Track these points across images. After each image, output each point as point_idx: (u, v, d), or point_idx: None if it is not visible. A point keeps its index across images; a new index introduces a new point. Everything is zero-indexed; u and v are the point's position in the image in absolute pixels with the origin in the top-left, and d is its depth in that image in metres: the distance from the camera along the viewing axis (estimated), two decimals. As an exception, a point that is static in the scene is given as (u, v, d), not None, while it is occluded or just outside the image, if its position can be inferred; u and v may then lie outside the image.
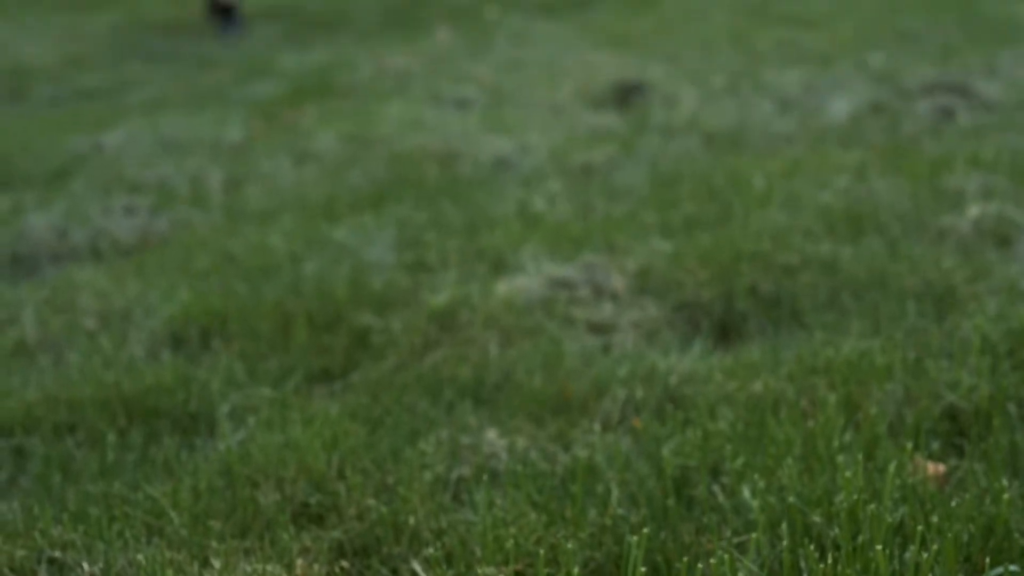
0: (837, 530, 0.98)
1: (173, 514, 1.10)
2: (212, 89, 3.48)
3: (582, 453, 1.18)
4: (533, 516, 1.04)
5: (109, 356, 1.58)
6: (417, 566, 1.03)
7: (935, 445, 1.16)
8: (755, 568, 0.96)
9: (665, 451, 1.15)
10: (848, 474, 1.01)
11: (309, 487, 1.14)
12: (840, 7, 4.01)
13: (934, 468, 1.13)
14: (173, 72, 3.86)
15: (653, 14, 4.20)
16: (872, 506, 0.97)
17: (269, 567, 1.02)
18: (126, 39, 4.56)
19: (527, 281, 1.68)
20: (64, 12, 5.40)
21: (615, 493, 1.09)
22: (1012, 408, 1.20)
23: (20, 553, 1.05)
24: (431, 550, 1.01)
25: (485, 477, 1.10)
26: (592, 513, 1.06)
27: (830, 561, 0.92)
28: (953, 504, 1.00)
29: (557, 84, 3.05)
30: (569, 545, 0.98)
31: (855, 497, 0.99)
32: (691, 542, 1.02)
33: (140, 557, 1.02)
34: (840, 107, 2.60)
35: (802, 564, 0.95)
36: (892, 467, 1.02)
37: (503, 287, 1.66)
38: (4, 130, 3.09)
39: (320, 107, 3.04)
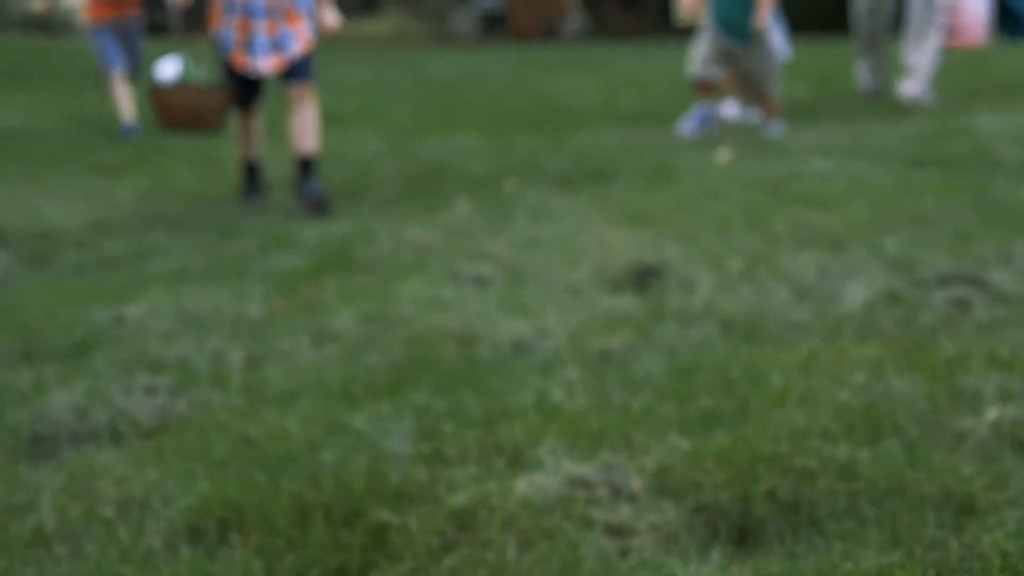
0: None
1: None
2: (234, 260, 3.53)
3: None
4: None
5: (127, 548, 1.58)
6: None
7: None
8: None
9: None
10: None
11: None
12: (855, 187, 4.08)
13: None
14: (196, 242, 3.93)
15: (670, 190, 4.27)
16: None
17: None
18: (151, 206, 4.66)
19: (545, 479, 1.68)
20: (92, 176, 5.53)
21: None
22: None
23: None
24: None
25: None
26: None
27: None
28: None
29: (575, 264, 3.09)
30: None
31: None
32: None
33: None
34: (855, 296, 2.63)
35: None
36: None
37: (521, 485, 1.66)
38: (29, 299, 3.13)
39: (340, 282, 3.08)
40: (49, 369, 2.44)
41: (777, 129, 5.81)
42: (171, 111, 4.56)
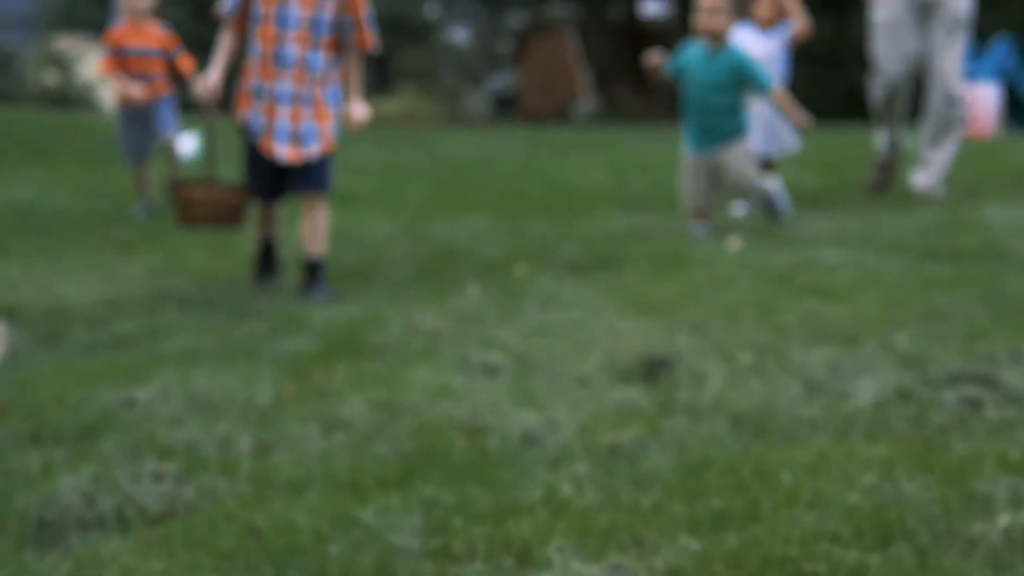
0: None
1: None
2: (244, 342, 3.54)
3: None
4: None
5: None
6: None
7: None
8: None
9: None
10: None
11: None
12: (865, 279, 4.08)
13: None
14: (207, 321, 3.94)
15: (680, 278, 4.28)
16: None
17: None
18: (164, 284, 4.68)
19: (553, 580, 1.67)
20: (106, 253, 5.57)
21: None
22: None
23: None
24: None
25: None
26: None
27: None
28: None
29: (584, 353, 3.09)
30: None
31: None
32: None
33: None
34: (866, 393, 2.63)
35: None
36: None
37: (529, 586, 1.65)
38: (39, 379, 3.14)
39: (350, 367, 3.09)
40: (58, 452, 2.44)
41: (772, 185, 5.66)
42: (191, 206, 4.54)
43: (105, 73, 7.18)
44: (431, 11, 31.75)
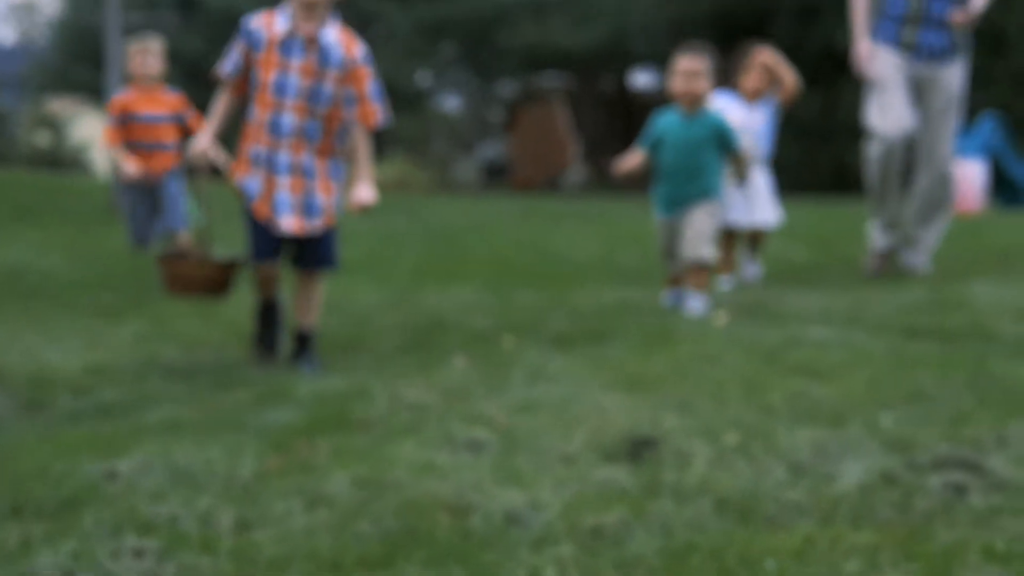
0: None
1: None
2: (229, 413, 3.53)
3: None
4: None
5: None
6: None
7: None
8: None
9: None
10: None
11: None
12: (852, 357, 4.09)
13: None
14: (192, 390, 3.93)
15: (667, 354, 4.28)
16: None
17: None
18: (149, 351, 4.67)
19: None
20: (93, 317, 5.56)
21: None
22: None
23: None
24: None
25: None
26: None
27: None
28: None
29: (570, 431, 3.08)
30: None
31: None
32: None
33: None
34: (851, 476, 2.62)
35: None
36: None
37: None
38: (20, 449, 3.12)
39: (334, 441, 3.07)
40: (37, 526, 2.41)
41: (697, 304, 5.29)
42: (179, 279, 4.50)
43: (109, 145, 6.74)
44: (423, 79, 32.07)
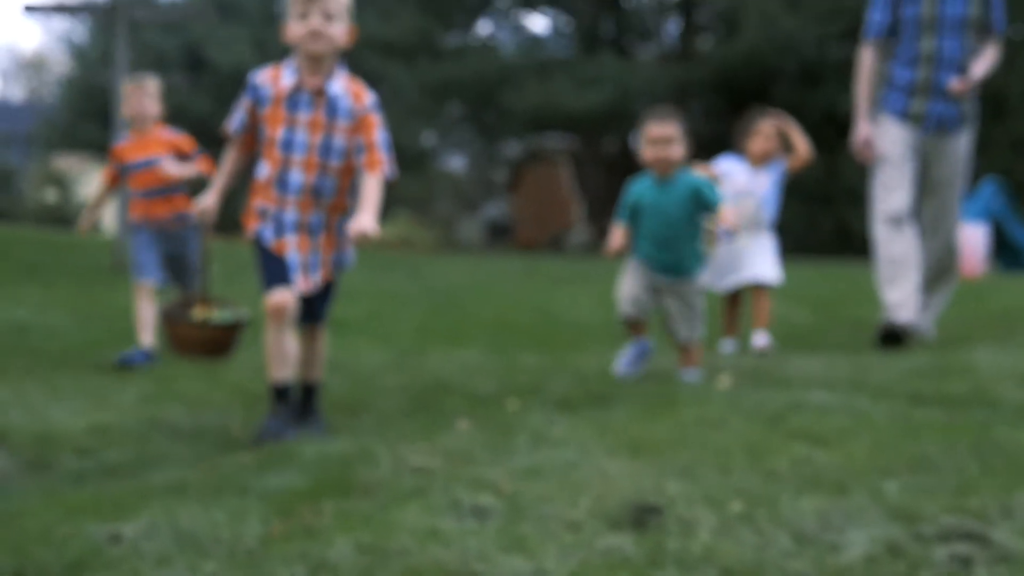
0: None
1: None
2: (233, 476, 3.53)
3: None
4: None
5: None
6: None
7: None
8: None
9: None
10: None
11: None
12: (855, 423, 4.09)
13: None
14: (196, 452, 3.93)
15: (670, 418, 4.29)
16: None
17: None
18: (153, 411, 4.68)
19: None
20: (97, 375, 5.57)
21: None
22: None
23: None
24: None
25: None
26: None
27: None
28: None
29: (574, 497, 3.08)
30: None
31: None
32: None
33: None
34: (856, 546, 2.62)
35: None
36: None
37: None
38: (24, 511, 3.11)
39: (338, 506, 3.07)
40: (40, 591, 2.41)
41: (692, 376, 5.31)
42: (183, 342, 4.54)
43: (105, 185, 6.66)
44: (427, 138, 32.31)
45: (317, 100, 4.14)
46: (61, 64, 55.31)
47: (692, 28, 29.56)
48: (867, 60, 6.62)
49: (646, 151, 5.17)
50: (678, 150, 5.13)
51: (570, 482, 3.26)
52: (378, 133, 4.18)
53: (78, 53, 44.52)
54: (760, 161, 6.61)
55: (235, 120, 4.26)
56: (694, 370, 5.37)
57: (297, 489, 3.30)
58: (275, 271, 4.19)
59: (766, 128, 6.58)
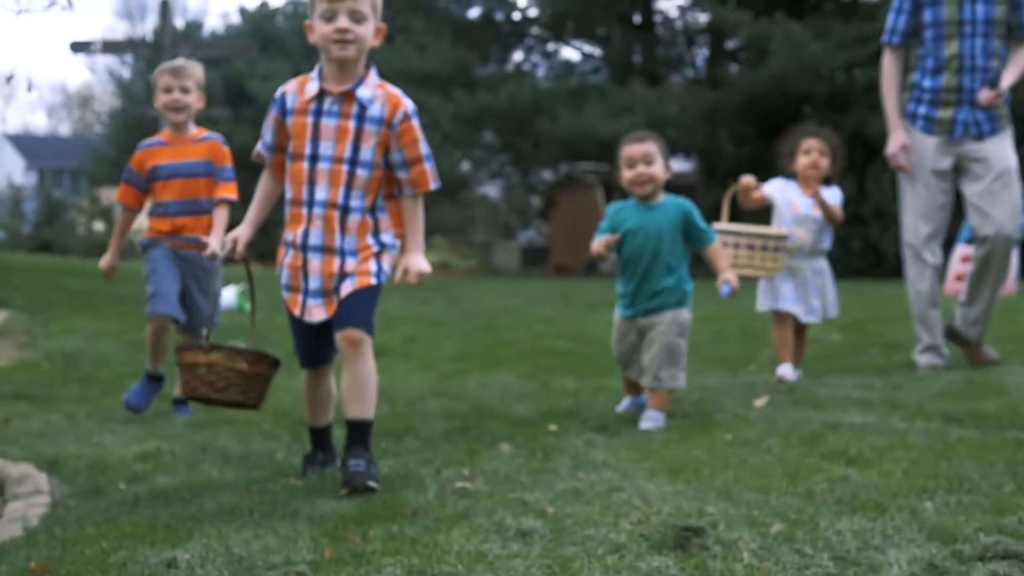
0: None
1: None
2: (282, 501, 3.61)
3: None
4: None
5: None
6: None
7: None
8: None
9: None
10: None
11: None
12: (891, 443, 4.12)
13: None
14: (246, 477, 4.02)
15: (708, 440, 4.35)
16: None
17: None
18: (203, 437, 4.78)
19: None
20: (144, 404, 5.67)
21: None
22: None
23: None
24: None
25: None
26: None
27: None
28: None
29: (616, 519, 3.15)
30: None
31: None
32: None
33: None
34: (896, 567, 2.67)
35: None
36: None
37: None
38: (81, 539, 3.20)
39: (385, 530, 3.15)
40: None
41: (653, 423, 4.83)
42: (194, 375, 3.76)
43: (122, 225, 5.59)
44: (463, 166, 32.49)
45: (345, 105, 3.69)
46: (108, 99, 56.28)
47: (721, 55, 29.68)
48: (890, 67, 6.37)
49: (626, 173, 4.91)
50: (659, 168, 4.89)
51: (612, 504, 3.32)
52: (423, 146, 3.74)
53: (124, 88, 45.33)
54: (810, 182, 6.06)
55: (264, 140, 3.86)
56: (657, 413, 4.88)
57: (345, 513, 3.38)
58: (300, 344, 3.88)
59: (816, 145, 6.04)
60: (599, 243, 4.95)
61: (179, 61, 5.46)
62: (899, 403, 5.05)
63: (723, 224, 5.80)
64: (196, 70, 5.37)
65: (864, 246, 23.64)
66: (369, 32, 3.71)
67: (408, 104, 3.74)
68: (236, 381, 3.73)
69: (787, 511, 3.19)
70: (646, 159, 4.87)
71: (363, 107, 3.69)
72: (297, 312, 3.79)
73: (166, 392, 5.89)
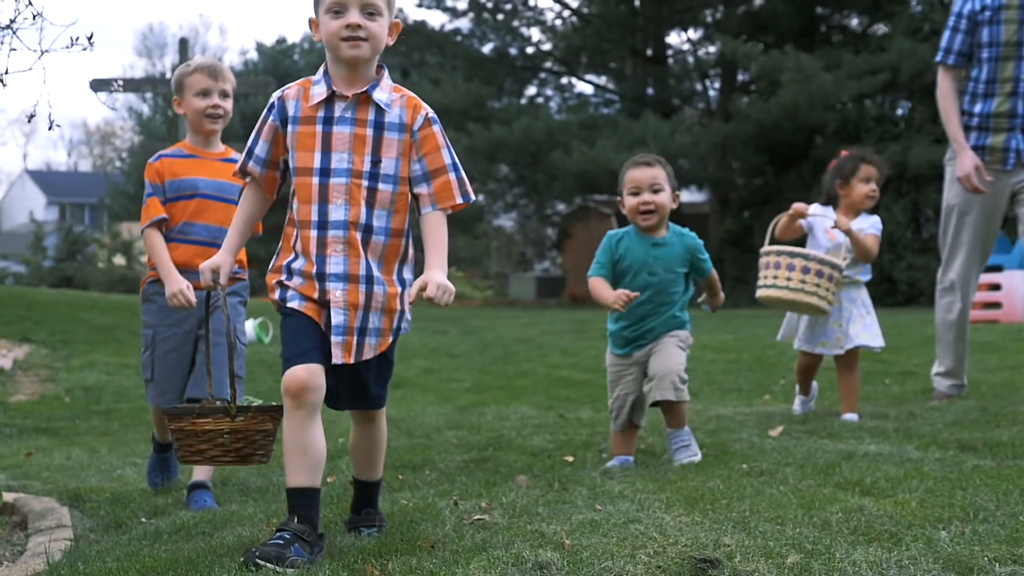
0: None
1: None
2: (303, 533, 3.64)
3: None
4: None
5: None
6: None
7: None
8: None
9: None
10: None
11: None
12: (905, 472, 4.14)
13: None
14: (266, 510, 4.04)
15: (724, 470, 4.37)
16: None
17: None
18: (222, 471, 4.81)
19: None
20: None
21: None
22: None
23: None
24: None
25: None
26: None
27: None
28: None
29: (633, 551, 3.17)
30: None
31: None
32: None
33: None
34: (908, 595, 2.69)
35: None
36: None
37: None
38: (104, 573, 3.24)
39: (404, 563, 3.17)
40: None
41: (688, 453, 4.68)
42: (190, 441, 3.31)
43: (142, 223, 4.39)
44: (479, 199, 32.65)
45: (360, 110, 3.21)
46: (128, 135, 56.85)
47: (732, 87, 29.86)
48: (947, 87, 5.96)
49: (629, 200, 4.54)
50: (666, 198, 4.53)
51: (629, 536, 3.35)
52: (446, 154, 3.25)
53: (144, 124, 45.77)
54: (855, 210, 5.73)
55: (253, 152, 3.28)
56: (688, 436, 4.72)
57: (364, 546, 3.41)
58: (297, 341, 3.18)
59: (874, 174, 5.70)
60: (617, 300, 4.45)
61: (212, 60, 4.54)
62: (914, 432, 5.07)
63: (776, 246, 5.54)
64: (231, 74, 4.49)
65: (877, 274, 23.65)
66: (383, 28, 3.22)
67: (429, 110, 3.29)
68: (262, 444, 3.33)
69: (803, 542, 3.21)
70: (652, 187, 4.49)
71: (381, 112, 3.20)
72: (315, 318, 3.21)
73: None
